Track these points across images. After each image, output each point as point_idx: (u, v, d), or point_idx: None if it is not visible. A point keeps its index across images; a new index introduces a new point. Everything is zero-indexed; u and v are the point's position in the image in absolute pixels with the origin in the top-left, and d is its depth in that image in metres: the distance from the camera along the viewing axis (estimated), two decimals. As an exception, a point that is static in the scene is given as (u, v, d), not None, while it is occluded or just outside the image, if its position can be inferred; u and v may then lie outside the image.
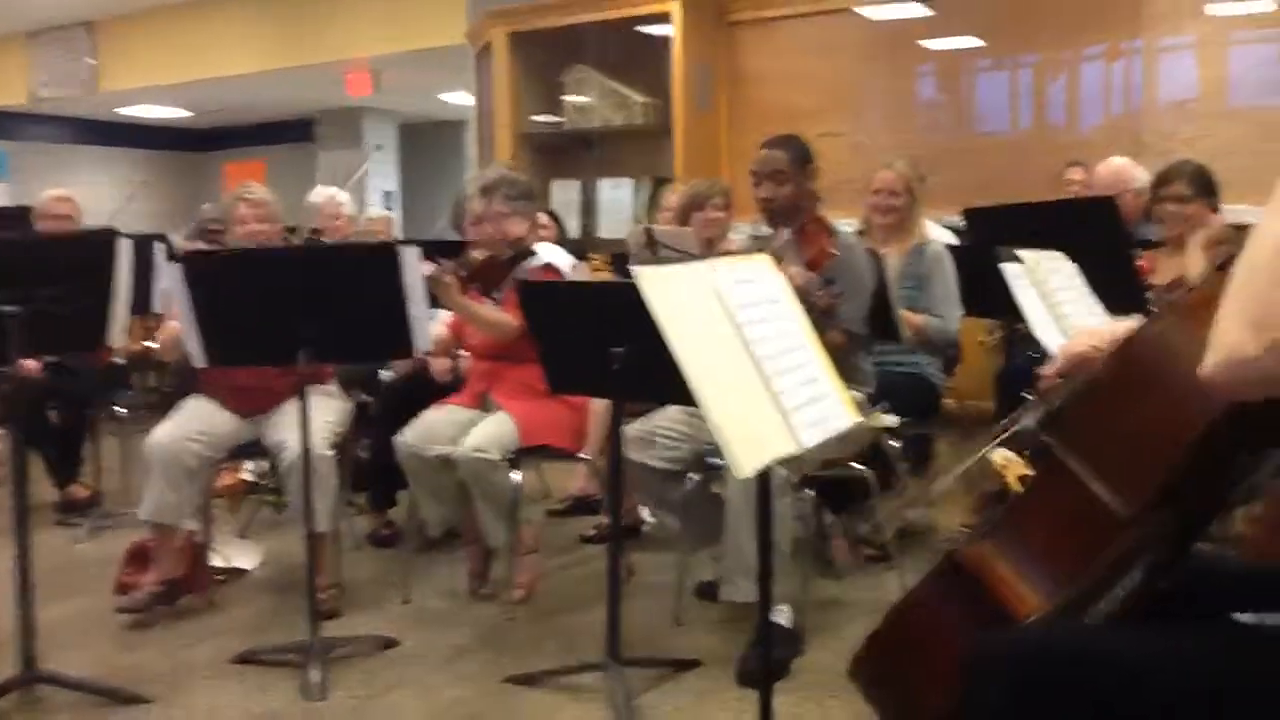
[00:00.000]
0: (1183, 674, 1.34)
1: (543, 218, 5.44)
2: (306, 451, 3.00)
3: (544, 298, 2.86)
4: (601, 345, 2.53)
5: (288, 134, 13.62)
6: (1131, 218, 4.08)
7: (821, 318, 2.84)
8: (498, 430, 3.26)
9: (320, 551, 3.25)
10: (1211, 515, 1.78)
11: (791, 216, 3.15)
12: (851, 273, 3.14)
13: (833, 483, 3.26)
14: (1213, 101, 5.65)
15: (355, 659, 3.02)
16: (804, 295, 2.70)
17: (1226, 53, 5.64)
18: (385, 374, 4.27)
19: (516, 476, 3.29)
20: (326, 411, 3.40)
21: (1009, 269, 2.48)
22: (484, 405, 3.46)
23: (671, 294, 1.66)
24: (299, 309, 2.85)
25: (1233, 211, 3.71)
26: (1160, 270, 3.62)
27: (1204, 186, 3.58)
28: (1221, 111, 5.61)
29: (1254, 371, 1.19)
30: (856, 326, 3.16)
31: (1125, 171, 4.44)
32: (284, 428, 3.28)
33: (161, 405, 4.14)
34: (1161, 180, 3.67)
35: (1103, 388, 1.52)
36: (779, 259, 2.90)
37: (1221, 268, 1.45)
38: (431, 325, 3.17)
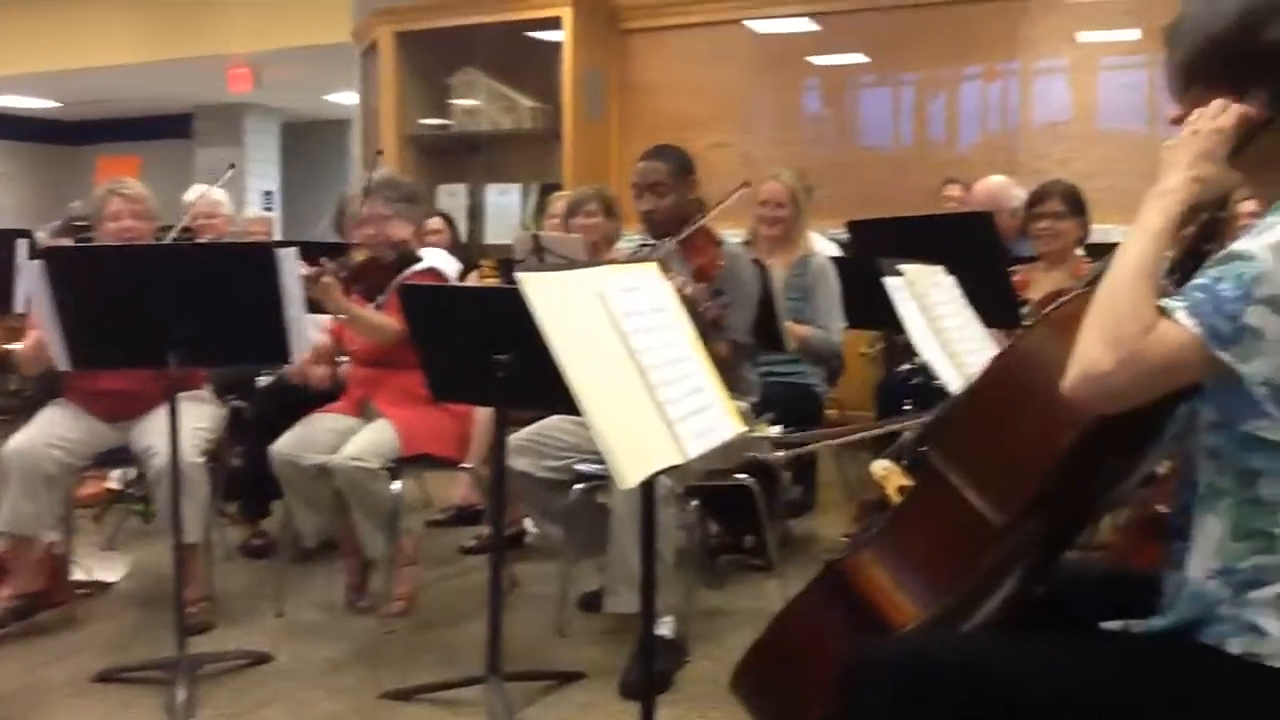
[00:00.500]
0: (1052, 682, 1.37)
1: (435, 221, 5.36)
2: (176, 459, 2.88)
3: (426, 302, 2.80)
4: (485, 352, 2.48)
5: (165, 129, 13.14)
6: (1008, 235, 4.19)
7: (710, 329, 2.85)
8: (377, 438, 3.19)
9: (189, 563, 3.13)
10: (1082, 523, 1.83)
11: (673, 228, 3.15)
12: (738, 283, 3.15)
13: (717, 492, 3.26)
14: (1083, 124, 5.87)
15: (225, 676, 2.91)
16: (693, 307, 2.71)
17: (1096, 78, 5.87)
18: (262, 379, 4.14)
19: (396, 486, 3.22)
20: (198, 417, 3.28)
21: (890, 282, 2.51)
22: (364, 412, 3.37)
23: (556, 300, 1.63)
24: (169, 310, 2.73)
25: (1100, 230, 3.84)
26: (1035, 286, 3.73)
27: (1076, 205, 3.71)
28: (1091, 133, 5.83)
29: (1110, 386, 1.24)
30: (742, 336, 3.18)
31: (1002, 190, 4.57)
32: (152, 434, 3.15)
33: (25, 410, 3.94)
34: (1036, 199, 3.79)
35: (978, 399, 1.55)
36: (665, 269, 2.91)
37: (1091, 284, 1.49)
38: (311, 331, 3.09)
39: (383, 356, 3.32)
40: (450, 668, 2.91)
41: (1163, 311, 1.26)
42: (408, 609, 3.38)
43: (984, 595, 1.56)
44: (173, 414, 2.83)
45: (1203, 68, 1.37)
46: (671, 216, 3.18)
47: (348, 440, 3.21)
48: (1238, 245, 1.26)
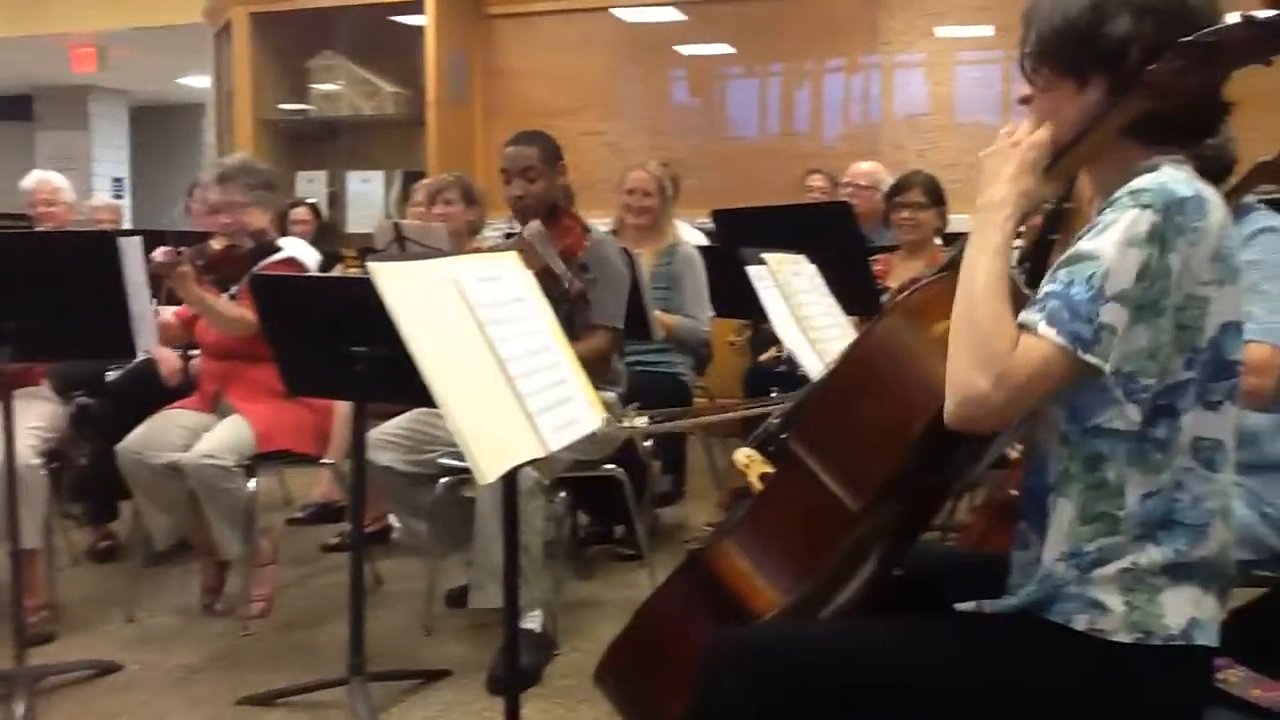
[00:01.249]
0: (904, 663, 1.39)
1: (301, 211, 5.20)
2: (10, 461, 2.71)
3: (278, 293, 2.69)
4: (343, 344, 2.40)
5: (2, 111, 12.45)
6: (869, 223, 4.28)
7: (576, 304, 2.81)
8: (231, 435, 3.07)
9: (28, 570, 2.95)
10: (938, 506, 1.86)
11: (543, 213, 3.11)
12: (607, 265, 3.13)
13: (586, 483, 3.24)
14: (941, 116, 6.03)
15: (69, 688, 2.77)
16: (558, 282, 2.67)
17: (953, 72, 6.04)
18: (110, 374, 3.94)
19: (252, 484, 3.10)
20: (35, 416, 3.11)
21: (753, 270, 2.52)
22: (217, 408, 3.24)
23: (410, 291, 1.58)
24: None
25: (958, 220, 3.95)
26: (895, 274, 3.81)
27: (935, 195, 3.81)
28: (949, 126, 6.00)
29: (990, 407, 1.27)
30: (617, 321, 3.16)
31: (878, 173, 4.68)
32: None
33: None
34: (897, 189, 3.89)
35: (834, 386, 1.56)
36: (532, 248, 2.86)
37: (944, 270, 1.51)
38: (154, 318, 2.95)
39: (236, 349, 3.19)
40: (312, 670, 2.82)
41: (1024, 327, 1.28)
42: (267, 611, 3.27)
43: (843, 579, 1.57)
44: (6, 413, 2.66)
45: (1052, 51, 1.40)
46: (541, 203, 3.14)
47: (200, 437, 3.08)
48: (1082, 246, 1.28)
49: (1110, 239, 1.26)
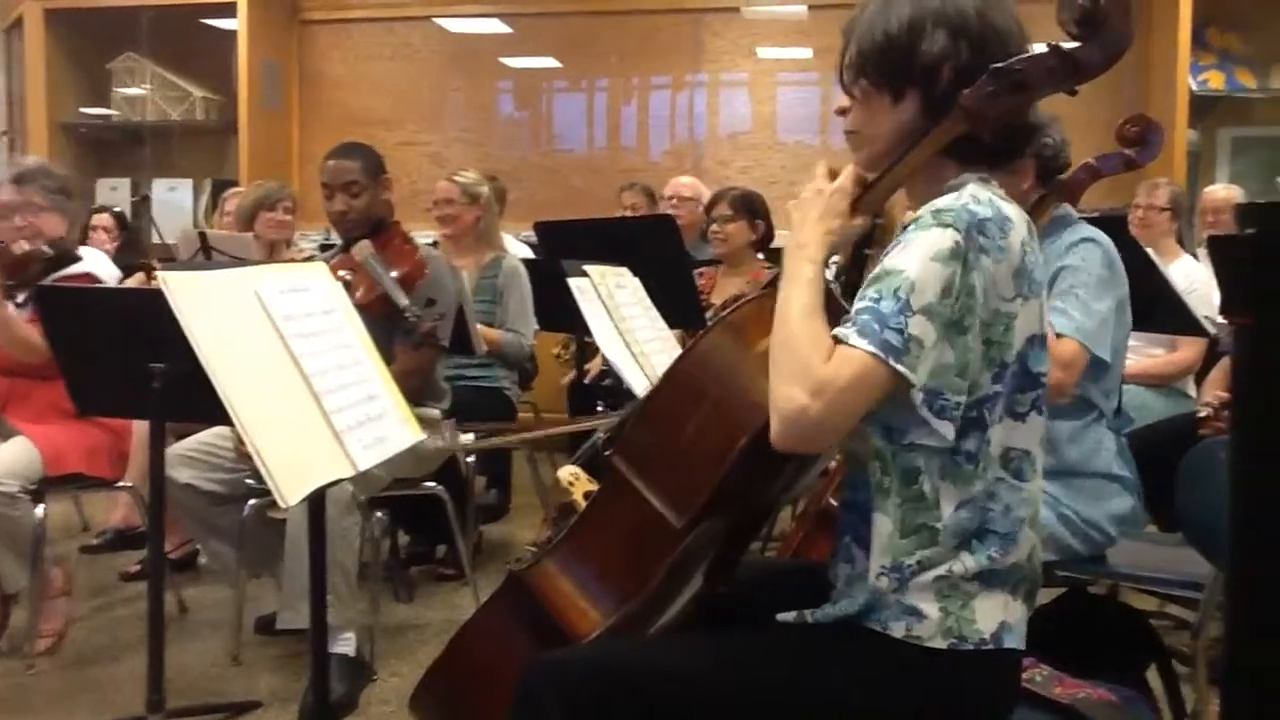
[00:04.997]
0: (725, 678, 1.39)
1: (105, 218, 4.90)
2: None
3: (67, 305, 2.51)
4: (139, 360, 2.24)
5: None
6: (691, 237, 4.33)
7: (423, 341, 2.73)
8: (15, 458, 2.84)
9: None
10: (762, 519, 1.87)
11: (366, 229, 3.01)
12: (443, 288, 3.06)
13: (407, 501, 3.14)
14: (764, 134, 6.18)
15: None
16: (401, 316, 2.58)
17: (775, 92, 6.20)
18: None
19: (39, 511, 2.88)
20: None
21: (575, 283, 2.50)
22: (-1, 429, 3.00)
23: (204, 302, 1.48)
24: None
25: (783, 236, 4.03)
26: (719, 289, 3.86)
27: (747, 209, 3.88)
28: (771, 144, 6.15)
29: (811, 421, 1.27)
30: (446, 340, 3.08)
31: (700, 188, 4.74)
32: None
33: None
34: (711, 204, 3.97)
35: (656, 403, 1.53)
36: (364, 271, 2.75)
37: (768, 287, 1.52)
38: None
39: (20, 366, 2.96)
40: (108, 709, 2.65)
41: (838, 340, 1.29)
42: (57, 646, 3.05)
43: (669, 597, 1.55)
44: None
45: (870, 65, 1.42)
46: (365, 218, 3.04)
47: (-21, 461, 2.84)
48: (887, 263, 1.31)
49: (914, 255, 1.29)
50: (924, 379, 1.28)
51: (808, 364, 1.28)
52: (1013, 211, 1.36)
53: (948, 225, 1.30)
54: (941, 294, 1.28)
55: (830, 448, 1.61)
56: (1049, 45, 1.35)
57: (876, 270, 1.32)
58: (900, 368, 1.27)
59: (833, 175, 1.45)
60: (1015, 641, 1.38)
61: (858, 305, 1.30)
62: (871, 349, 1.26)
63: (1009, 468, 1.38)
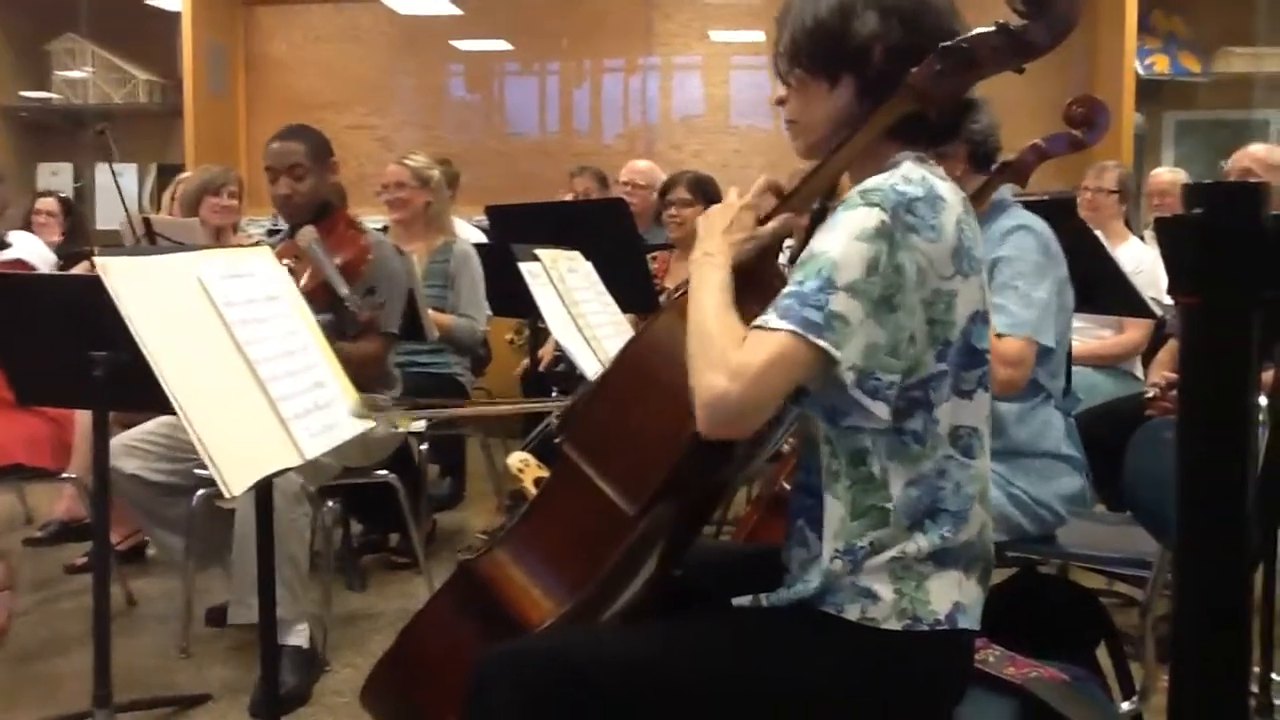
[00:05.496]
0: (678, 664, 1.38)
1: (49, 202, 4.79)
2: None
3: (3, 293, 2.44)
4: (79, 348, 2.19)
5: None
6: (644, 221, 4.31)
7: (364, 330, 2.69)
8: (-47, 450, 2.78)
9: None
10: (715, 503, 1.86)
11: (311, 214, 2.96)
12: (388, 275, 3.02)
13: (358, 489, 3.11)
14: (716, 118, 6.17)
15: None
16: (342, 306, 2.54)
17: (728, 75, 6.18)
18: None
19: (-19, 503, 2.82)
20: None
21: (527, 268, 2.47)
22: (-64, 421, 2.93)
23: (145, 288, 1.44)
24: None
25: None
26: (673, 274, 3.85)
27: (702, 193, 3.87)
28: (724, 128, 6.14)
29: (732, 404, 1.27)
30: (391, 326, 3.04)
31: (654, 173, 4.72)
32: None
33: None
34: (666, 187, 3.96)
35: (607, 388, 1.52)
36: (306, 261, 2.70)
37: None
38: None
39: (-43, 356, 2.89)
40: (53, 704, 2.59)
41: (757, 328, 1.29)
42: (0, 641, 2.98)
43: (622, 583, 1.54)
44: None
45: (804, 51, 1.42)
46: (310, 202, 2.98)
47: (-84, 454, 2.78)
48: (813, 244, 1.32)
49: (837, 236, 1.29)
50: (852, 358, 1.28)
51: (724, 352, 1.28)
52: (946, 190, 1.36)
53: (874, 205, 1.30)
54: (866, 271, 1.27)
55: (784, 429, 1.61)
56: (996, 24, 1.36)
57: (803, 254, 1.32)
58: (822, 343, 1.26)
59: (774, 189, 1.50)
60: (969, 622, 1.39)
61: (782, 292, 1.30)
62: (790, 327, 1.26)
63: (958, 445, 1.38)
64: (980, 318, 1.39)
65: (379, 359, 3.04)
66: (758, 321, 1.29)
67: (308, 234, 2.74)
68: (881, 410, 1.31)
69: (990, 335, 1.42)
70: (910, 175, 1.34)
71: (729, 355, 1.28)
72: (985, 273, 1.43)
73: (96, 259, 1.48)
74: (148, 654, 2.91)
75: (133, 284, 1.46)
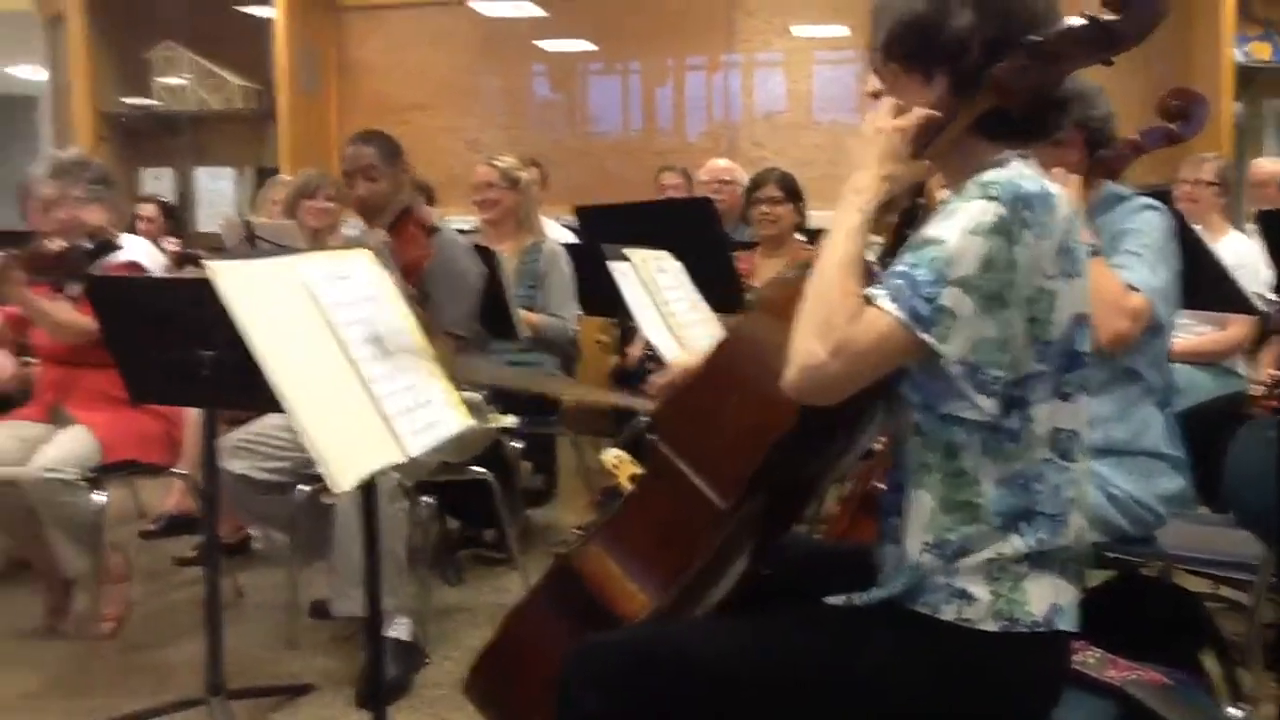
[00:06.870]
0: (771, 660, 1.39)
1: (148, 208, 4.97)
2: None
3: (118, 295, 2.55)
4: (188, 348, 2.28)
5: None
6: (729, 220, 4.31)
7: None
8: (73, 446, 2.89)
9: None
10: (806, 500, 1.87)
11: (393, 214, 3.05)
12: (451, 274, 3.08)
13: (454, 486, 3.17)
14: (799, 114, 6.14)
15: (-104, 720, 2.58)
16: None
17: (811, 70, 6.15)
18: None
19: (100, 497, 2.94)
20: None
21: (616, 267, 2.50)
22: (55, 418, 3.06)
23: (254, 291, 1.50)
24: None
25: (817, 217, 4.01)
26: (759, 272, 3.85)
27: (791, 191, 3.86)
28: (807, 124, 6.11)
29: (825, 375, 1.27)
30: (463, 328, 3.10)
31: (736, 170, 4.72)
32: None
33: None
34: (754, 185, 3.94)
35: (699, 385, 1.55)
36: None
37: (808, 266, 1.51)
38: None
39: (75, 355, 3.01)
40: (168, 691, 2.68)
41: (868, 300, 1.29)
42: (118, 630, 3.11)
43: (714, 578, 1.57)
44: None
45: (897, 47, 1.42)
46: (387, 200, 3.09)
47: (38, 449, 2.90)
48: (928, 230, 1.31)
49: (955, 225, 1.29)
50: (959, 351, 1.28)
51: (833, 319, 1.28)
52: (1056, 189, 1.35)
53: (993, 198, 1.29)
54: (982, 267, 1.27)
55: (876, 428, 1.62)
56: (1085, 16, 1.34)
57: (915, 237, 1.32)
58: (927, 338, 1.26)
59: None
60: (1067, 623, 1.38)
61: (893, 268, 1.30)
62: (899, 315, 1.26)
63: (1056, 448, 1.37)
64: (1082, 320, 1.38)
65: (446, 360, 3.10)
66: (868, 291, 1.29)
67: (379, 237, 2.84)
68: (988, 404, 1.32)
69: (1090, 338, 1.40)
70: (1024, 172, 1.34)
71: (837, 326, 1.28)
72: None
73: (206, 264, 1.55)
74: (254, 644, 3.00)
75: (242, 287, 1.52)
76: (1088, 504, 1.44)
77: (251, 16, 6.07)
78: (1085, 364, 1.39)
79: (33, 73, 8.99)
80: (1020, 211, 1.29)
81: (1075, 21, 1.35)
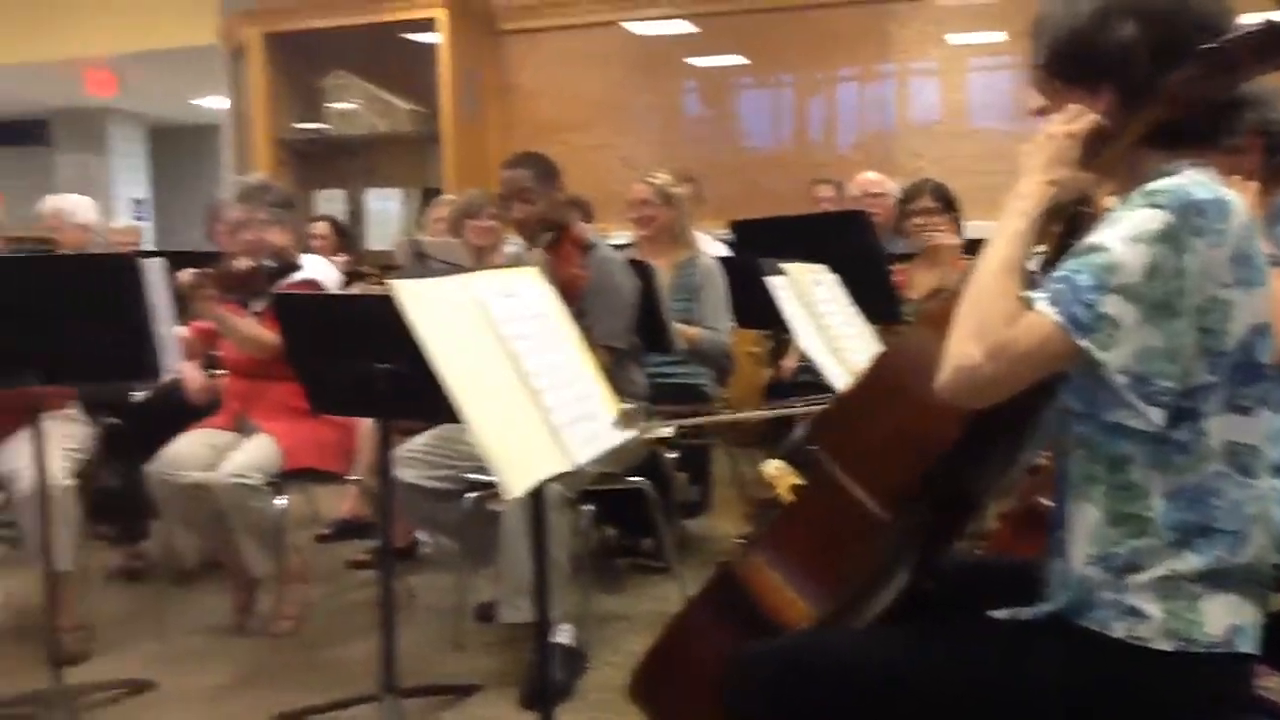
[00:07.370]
0: (938, 672, 1.39)
1: (320, 227, 5.23)
2: (43, 483, 2.73)
3: (302, 311, 2.71)
4: (365, 362, 2.41)
5: (17, 136, 12.48)
6: (882, 232, 4.28)
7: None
8: (258, 453, 3.09)
9: (61, 591, 2.97)
10: (969, 515, 1.86)
11: (551, 233, 3.14)
12: (607, 290, 3.14)
13: (612, 496, 3.24)
14: (955, 123, 6.02)
15: (105, 707, 2.79)
16: None
17: (966, 79, 6.03)
18: (137, 395, 3.96)
19: (281, 502, 3.12)
20: (66, 437, 3.12)
21: (773, 281, 2.53)
22: (241, 427, 3.26)
23: (432, 308, 1.59)
24: (22, 326, 2.57)
25: (973, 227, 3.94)
26: (916, 284, 3.80)
27: (946, 202, 3.80)
28: (963, 132, 5.99)
29: (979, 378, 1.27)
30: (620, 341, 3.16)
31: (888, 182, 4.68)
32: (16, 456, 2.98)
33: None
34: (908, 196, 3.89)
35: (861, 396, 1.56)
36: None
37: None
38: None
39: (259, 368, 3.22)
40: (343, 687, 2.81)
41: (1026, 304, 1.28)
42: (296, 628, 3.29)
43: (876, 590, 1.57)
44: (37, 436, 2.68)
45: (1059, 63, 1.41)
46: (544, 221, 3.17)
47: (226, 456, 3.10)
48: (1093, 237, 1.29)
49: (1119, 233, 1.27)
50: (1121, 361, 1.26)
51: (990, 322, 1.28)
52: (1232, 196, 1.32)
53: (1160, 206, 1.27)
54: (1147, 275, 1.25)
55: (1039, 443, 1.60)
56: (1267, 20, 1.29)
57: (1079, 245, 1.31)
58: (1085, 344, 1.25)
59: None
60: (1248, 645, 1.34)
61: (1055, 274, 1.29)
62: (1058, 320, 1.26)
63: (1234, 463, 1.33)
64: (1262, 331, 1.34)
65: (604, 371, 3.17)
66: (1027, 295, 1.29)
67: (537, 258, 2.93)
68: (1156, 415, 1.29)
69: (1273, 348, 1.36)
70: (1196, 179, 1.31)
71: (994, 329, 1.28)
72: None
73: (389, 282, 1.64)
74: (422, 645, 3.12)
75: (422, 305, 1.61)
76: (1274, 524, 1.39)
77: (416, 43, 6.30)
78: (1266, 377, 1.35)
79: (216, 103, 9.57)
80: (1191, 219, 1.26)
81: (1251, 24, 1.31)
